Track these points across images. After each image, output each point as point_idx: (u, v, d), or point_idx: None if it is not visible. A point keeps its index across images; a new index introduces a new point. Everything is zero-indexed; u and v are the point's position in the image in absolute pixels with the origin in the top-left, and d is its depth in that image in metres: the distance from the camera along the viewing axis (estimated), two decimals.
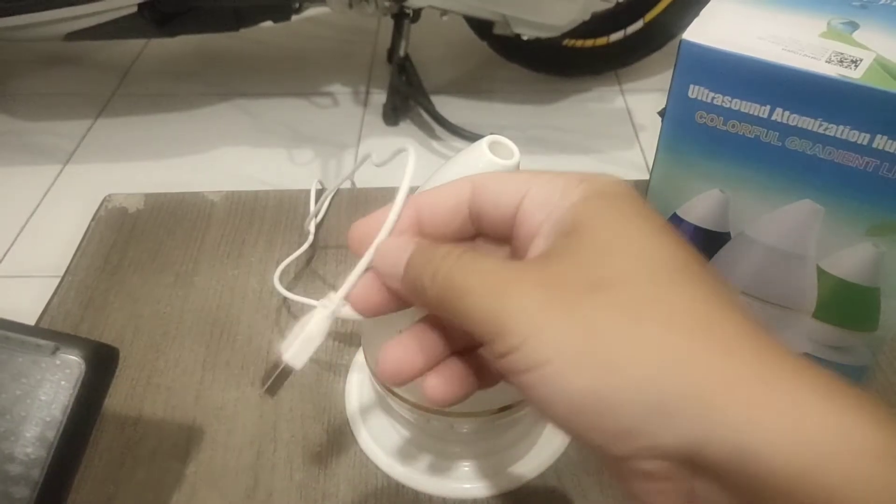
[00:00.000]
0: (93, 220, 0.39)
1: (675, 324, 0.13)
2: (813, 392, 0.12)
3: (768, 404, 0.12)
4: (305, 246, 0.36)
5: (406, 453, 0.27)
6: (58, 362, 0.19)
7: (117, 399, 0.30)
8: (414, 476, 0.27)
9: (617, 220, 0.15)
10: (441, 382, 0.17)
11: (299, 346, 0.17)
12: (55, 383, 0.18)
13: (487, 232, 0.18)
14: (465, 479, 0.27)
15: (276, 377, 0.17)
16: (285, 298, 0.33)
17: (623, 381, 0.13)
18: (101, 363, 0.20)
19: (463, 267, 0.15)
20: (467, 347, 0.17)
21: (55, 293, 0.35)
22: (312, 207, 0.38)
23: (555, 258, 0.15)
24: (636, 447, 0.13)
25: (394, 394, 0.25)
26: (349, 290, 0.17)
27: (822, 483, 0.11)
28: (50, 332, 0.20)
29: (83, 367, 0.19)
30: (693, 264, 0.14)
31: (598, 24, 1.11)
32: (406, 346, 0.17)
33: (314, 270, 0.36)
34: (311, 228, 0.37)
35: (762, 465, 0.12)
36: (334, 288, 0.18)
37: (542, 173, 0.17)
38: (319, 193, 0.39)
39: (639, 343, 0.13)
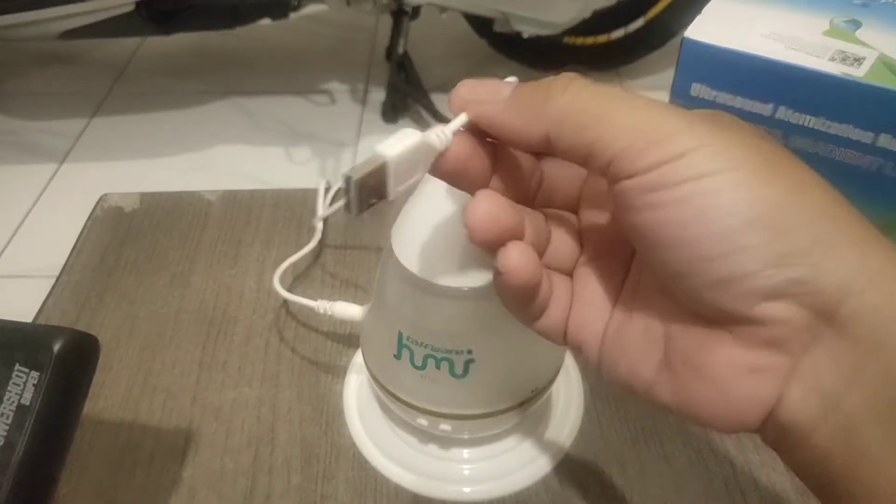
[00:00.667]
0: (88, 219, 0.39)
1: (828, 190, 0.13)
2: None
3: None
4: (312, 244, 0.35)
5: (405, 456, 0.27)
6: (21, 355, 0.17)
7: (113, 401, 0.30)
8: (413, 479, 0.27)
9: (739, 123, 0.14)
10: (525, 253, 0.15)
11: (393, 141, 0.14)
12: (20, 379, 0.17)
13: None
14: (465, 482, 0.27)
15: (370, 172, 0.14)
16: (285, 300, 0.33)
17: (799, 205, 0.12)
18: (76, 353, 0.17)
19: (600, 85, 0.14)
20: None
21: (50, 293, 0.35)
22: (320, 206, 0.38)
23: (700, 114, 0.14)
24: (790, 277, 0.12)
25: (393, 395, 0.25)
26: (459, 125, 0.15)
27: None
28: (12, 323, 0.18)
29: (51, 358, 0.17)
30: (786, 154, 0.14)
31: (599, 21, 1.11)
32: (500, 199, 0.15)
33: (318, 270, 0.36)
34: (319, 226, 0.37)
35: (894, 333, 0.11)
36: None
37: None
38: (325, 193, 0.39)
39: (811, 182, 0.13)
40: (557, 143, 0.14)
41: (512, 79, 0.16)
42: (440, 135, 0.15)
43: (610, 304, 0.16)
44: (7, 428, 0.16)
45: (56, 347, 0.17)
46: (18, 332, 0.17)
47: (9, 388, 0.16)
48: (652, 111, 0.13)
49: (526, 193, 0.17)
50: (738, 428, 0.13)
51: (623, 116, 0.13)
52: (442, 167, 0.15)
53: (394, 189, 0.15)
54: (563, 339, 0.17)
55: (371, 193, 0.15)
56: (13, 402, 0.16)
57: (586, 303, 0.16)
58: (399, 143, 0.14)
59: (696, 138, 0.13)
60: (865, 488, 0.12)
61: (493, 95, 0.15)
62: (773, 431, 0.13)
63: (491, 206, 0.15)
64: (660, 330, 0.15)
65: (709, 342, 0.13)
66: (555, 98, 0.14)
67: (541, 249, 0.16)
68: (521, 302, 0.16)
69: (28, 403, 0.16)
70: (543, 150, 0.14)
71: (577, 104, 0.13)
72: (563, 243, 0.17)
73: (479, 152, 0.15)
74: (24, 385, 0.16)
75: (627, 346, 0.15)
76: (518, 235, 0.15)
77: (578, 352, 0.17)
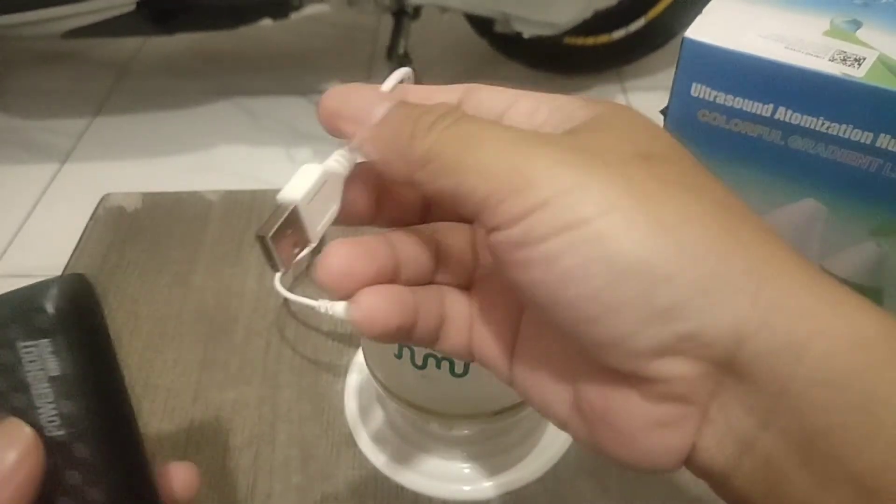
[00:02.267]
0: (90, 219, 0.39)
1: (725, 204, 0.12)
2: (858, 299, 0.11)
3: (822, 297, 0.11)
4: (312, 245, 0.35)
5: (405, 455, 0.27)
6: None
7: None
8: (413, 478, 0.27)
9: (635, 118, 0.13)
10: (380, 301, 0.13)
11: (295, 182, 0.14)
12: (31, 355, 0.14)
13: None
14: (465, 482, 0.27)
15: (282, 224, 0.13)
16: (286, 299, 0.33)
17: (675, 249, 0.11)
18: (73, 300, 0.14)
19: (474, 120, 0.12)
20: (423, 279, 0.15)
21: None
22: None
23: (584, 132, 0.12)
24: (675, 333, 0.11)
25: (394, 395, 0.25)
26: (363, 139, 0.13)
27: (873, 389, 0.10)
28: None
29: (51, 318, 0.14)
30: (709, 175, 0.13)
31: (600, 21, 1.11)
32: (356, 246, 0.14)
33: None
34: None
35: (810, 363, 0.10)
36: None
37: (539, 94, 0.14)
38: None
39: (692, 213, 0.11)
40: (422, 188, 0.13)
41: (391, 82, 0.14)
42: (340, 159, 0.14)
43: (512, 323, 0.15)
44: (55, 406, 0.14)
45: (49, 306, 0.14)
46: (2, 305, 0.14)
47: (27, 369, 0.14)
48: (517, 150, 0.11)
49: (414, 212, 0.16)
50: (655, 472, 0.12)
51: (485, 159, 0.12)
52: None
53: (314, 231, 0.14)
54: (472, 357, 0.15)
55: (291, 244, 0.14)
56: (42, 378, 0.14)
57: (486, 322, 0.15)
58: (302, 182, 0.14)
59: (562, 181, 0.11)
60: None
61: (363, 115, 0.13)
62: (695, 472, 0.12)
63: (341, 261, 0.13)
64: (566, 371, 0.14)
65: (614, 394, 0.12)
66: (420, 138, 0.12)
67: (424, 271, 0.15)
68: (392, 340, 0.14)
69: (59, 372, 0.14)
70: (413, 188, 0.13)
71: (440, 146, 0.12)
72: (457, 256, 0.15)
73: (362, 186, 0.14)
74: (41, 357, 0.14)
75: (537, 379, 0.14)
76: (382, 278, 0.14)
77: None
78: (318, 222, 0.14)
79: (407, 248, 0.15)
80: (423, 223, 0.16)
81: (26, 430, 0.13)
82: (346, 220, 0.15)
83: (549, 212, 0.11)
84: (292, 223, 0.14)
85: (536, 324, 0.14)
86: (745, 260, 0.11)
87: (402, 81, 0.15)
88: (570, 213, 0.11)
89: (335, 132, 0.14)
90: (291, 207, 0.14)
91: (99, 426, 0.14)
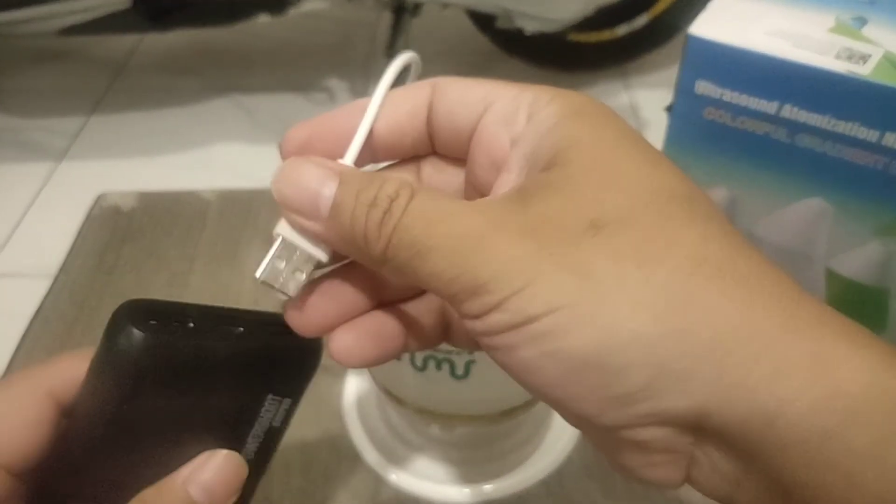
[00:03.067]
0: (86, 218, 0.39)
1: (687, 266, 0.11)
2: (838, 343, 0.11)
3: (792, 358, 0.10)
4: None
5: (406, 458, 0.27)
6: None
7: None
8: (413, 481, 0.26)
9: (604, 147, 0.13)
10: (353, 339, 0.14)
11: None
12: (273, 407, 0.17)
13: (441, 148, 0.15)
14: (467, 484, 0.26)
15: (275, 255, 0.14)
16: (285, 299, 0.33)
17: (627, 339, 0.11)
18: (316, 369, 0.17)
19: (421, 214, 0.12)
20: (396, 298, 0.15)
21: (49, 293, 0.34)
22: None
23: (537, 196, 0.12)
24: (636, 414, 0.11)
25: (393, 397, 0.24)
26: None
27: (852, 444, 0.10)
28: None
29: (303, 384, 0.17)
30: (697, 195, 0.12)
31: (603, 17, 1.10)
32: (323, 293, 0.14)
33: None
34: None
35: (783, 427, 0.10)
36: None
37: (510, 85, 0.14)
38: None
39: (646, 293, 0.11)
40: (392, 280, 0.13)
41: (391, 74, 0.14)
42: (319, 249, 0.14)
43: None
44: (255, 447, 0.17)
45: (308, 373, 0.16)
46: (265, 352, 0.16)
47: (260, 414, 0.16)
48: (465, 251, 0.12)
49: None
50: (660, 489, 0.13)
51: (436, 267, 0.12)
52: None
53: (315, 250, 0.14)
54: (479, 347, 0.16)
55: (292, 271, 0.14)
56: (264, 424, 0.17)
57: None
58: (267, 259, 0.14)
59: (511, 282, 0.11)
60: None
61: (310, 207, 0.13)
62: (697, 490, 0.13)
63: (309, 304, 0.14)
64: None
65: (607, 437, 0.12)
66: (373, 241, 0.12)
67: (410, 290, 0.15)
68: (378, 363, 0.15)
69: (278, 424, 0.17)
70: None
71: (391, 253, 0.12)
72: None
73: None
74: (276, 411, 0.17)
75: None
76: (347, 314, 0.14)
77: None
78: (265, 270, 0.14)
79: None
80: None
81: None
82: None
83: (503, 312, 0.11)
84: (287, 252, 0.14)
85: None
86: (706, 332, 0.11)
87: (406, 70, 0.15)
88: (522, 313, 0.11)
89: (294, 227, 0.14)
90: (279, 239, 0.14)
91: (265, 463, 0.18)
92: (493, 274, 0.11)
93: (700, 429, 0.11)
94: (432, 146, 0.15)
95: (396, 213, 0.12)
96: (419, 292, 0.15)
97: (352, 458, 0.28)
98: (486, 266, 0.12)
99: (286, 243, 0.14)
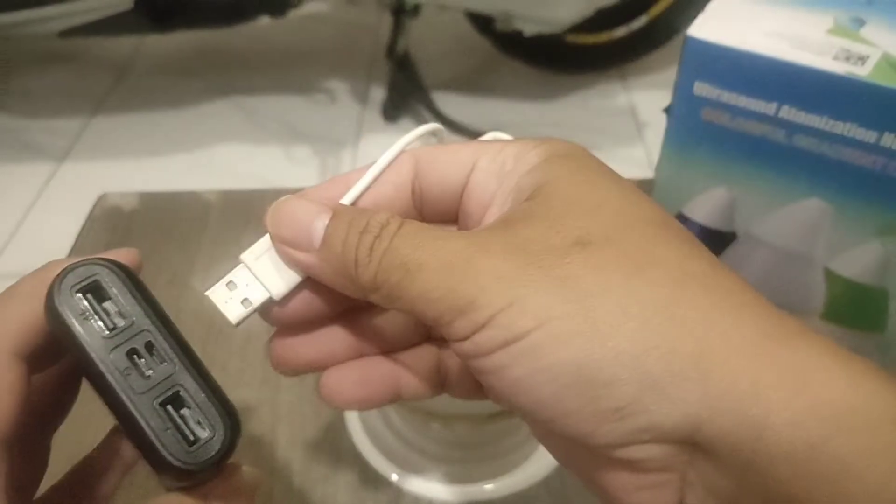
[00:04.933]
0: (87, 219, 0.39)
1: (671, 281, 0.11)
2: (821, 357, 0.11)
3: (777, 369, 0.11)
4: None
5: (406, 457, 0.27)
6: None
7: None
8: (414, 480, 0.27)
9: (584, 181, 0.13)
10: (341, 381, 0.15)
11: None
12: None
13: (430, 214, 0.15)
14: (467, 484, 0.26)
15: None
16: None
17: (617, 350, 0.11)
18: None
19: (410, 238, 0.13)
20: (391, 349, 0.15)
21: None
22: None
23: (521, 220, 0.13)
24: (630, 430, 0.11)
25: None
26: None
27: (836, 455, 0.10)
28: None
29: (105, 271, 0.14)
30: (672, 221, 0.13)
31: (602, 19, 1.11)
32: (313, 338, 0.15)
33: None
34: None
35: (771, 438, 0.10)
36: None
37: (494, 142, 0.15)
38: None
39: (633, 305, 0.11)
40: (381, 306, 0.13)
41: (412, 137, 0.15)
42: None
43: None
44: None
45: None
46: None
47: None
48: (454, 270, 0.12)
49: None
50: None
51: (426, 286, 0.12)
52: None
53: (271, 285, 0.14)
54: (482, 395, 0.16)
55: (239, 300, 0.14)
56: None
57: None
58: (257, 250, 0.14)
59: (499, 298, 0.11)
60: None
61: (303, 239, 0.13)
62: None
63: (286, 351, 0.14)
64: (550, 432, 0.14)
65: (596, 462, 0.12)
66: (363, 266, 0.13)
67: (408, 336, 0.15)
68: (369, 408, 0.16)
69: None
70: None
71: (383, 275, 0.12)
72: None
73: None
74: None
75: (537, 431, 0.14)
76: (336, 358, 0.15)
77: None
78: (276, 278, 0.14)
79: (386, 321, 0.15)
80: None
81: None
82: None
83: (493, 329, 0.11)
84: (244, 280, 0.14)
85: None
86: (692, 344, 0.11)
87: (433, 135, 0.16)
88: (511, 329, 0.11)
89: (285, 259, 0.14)
90: (240, 266, 0.14)
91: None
92: (481, 290, 0.12)
93: (693, 445, 0.11)
94: (418, 215, 0.16)
95: (386, 238, 0.13)
96: (414, 343, 0.16)
97: (352, 458, 0.28)
98: (473, 283, 0.12)
99: (246, 271, 0.14)
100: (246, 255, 0.14)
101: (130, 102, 1.21)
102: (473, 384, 0.16)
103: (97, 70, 1.29)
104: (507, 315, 0.11)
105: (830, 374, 0.11)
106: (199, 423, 0.14)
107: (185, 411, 0.14)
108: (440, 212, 0.15)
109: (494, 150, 0.14)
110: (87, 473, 0.16)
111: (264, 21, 1.08)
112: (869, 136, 0.21)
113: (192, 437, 0.14)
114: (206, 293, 0.14)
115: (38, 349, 0.14)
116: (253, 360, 0.31)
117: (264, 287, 0.14)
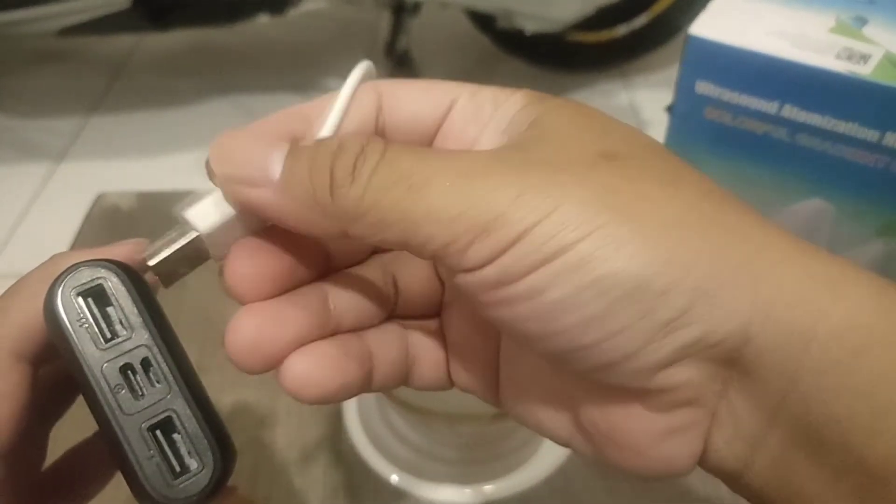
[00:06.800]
0: (85, 219, 0.39)
1: (702, 193, 0.11)
2: (847, 270, 0.11)
3: (815, 279, 0.10)
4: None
5: (406, 458, 0.27)
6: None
7: None
8: (414, 481, 0.26)
9: (578, 112, 0.12)
10: (310, 364, 0.12)
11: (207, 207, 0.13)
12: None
13: None
14: (468, 484, 0.26)
15: (178, 250, 0.13)
16: None
17: (665, 259, 0.10)
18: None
19: (408, 150, 0.11)
20: (343, 265, 0.13)
21: None
22: None
23: (532, 142, 0.11)
24: (680, 344, 0.10)
25: (393, 397, 0.24)
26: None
27: (875, 367, 0.10)
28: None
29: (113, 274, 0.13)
30: (672, 152, 0.12)
31: (603, 17, 1.10)
32: (266, 312, 0.12)
33: None
34: None
35: (817, 350, 0.10)
36: None
37: (468, 84, 0.13)
38: None
39: (676, 212, 0.10)
40: (362, 239, 0.11)
41: (349, 88, 0.12)
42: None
43: (492, 348, 0.14)
44: None
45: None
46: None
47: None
48: (471, 183, 0.10)
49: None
50: (667, 478, 0.12)
51: (437, 203, 0.10)
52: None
53: (219, 253, 0.13)
54: (451, 386, 0.14)
55: (184, 264, 0.13)
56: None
57: (463, 352, 0.14)
58: (213, 210, 0.12)
59: (533, 209, 0.10)
60: None
61: (257, 172, 0.11)
62: (707, 470, 0.12)
63: (249, 334, 0.12)
64: (560, 392, 0.13)
65: (617, 411, 0.11)
66: (343, 188, 0.11)
67: (374, 313, 0.13)
68: (339, 400, 0.13)
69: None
70: (346, 241, 0.11)
71: (373, 194, 0.10)
72: (418, 287, 0.14)
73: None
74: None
75: (529, 404, 0.13)
76: (308, 339, 0.12)
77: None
78: (226, 246, 0.13)
79: (347, 295, 0.13)
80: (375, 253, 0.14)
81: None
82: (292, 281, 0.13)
83: (527, 245, 0.10)
84: (192, 248, 0.13)
85: (518, 348, 0.13)
86: (738, 252, 0.10)
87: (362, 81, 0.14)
88: (551, 242, 0.10)
89: (235, 201, 0.12)
90: (195, 235, 0.13)
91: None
92: (511, 202, 0.10)
93: (736, 363, 0.11)
94: None
95: (374, 154, 0.11)
96: (376, 321, 0.13)
97: (352, 458, 0.27)
98: (500, 194, 0.10)
99: (183, 222, 0.13)
100: (181, 207, 0.13)
101: (129, 101, 1.21)
102: (443, 374, 0.14)
103: (95, 69, 1.28)
104: (546, 227, 0.10)
105: (860, 286, 0.10)
106: (189, 453, 0.12)
107: (176, 437, 0.12)
108: None
109: (471, 91, 0.13)
110: (73, 467, 0.15)
111: (263, 19, 1.08)
112: (871, 135, 0.21)
113: (178, 469, 0.12)
114: (145, 257, 0.13)
115: (43, 346, 0.13)
116: None
117: (193, 226, 0.13)
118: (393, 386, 0.14)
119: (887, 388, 0.10)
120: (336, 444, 0.28)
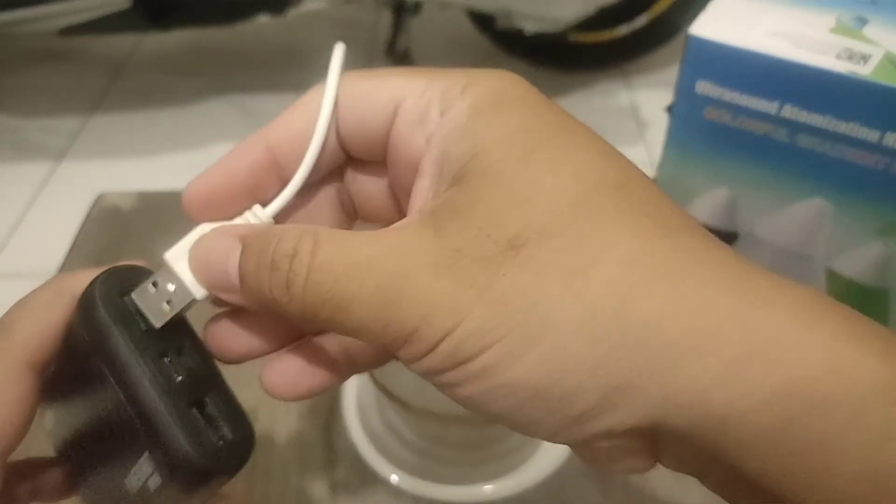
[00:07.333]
0: (85, 219, 0.39)
1: (618, 271, 0.11)
2: (793, 322, 0.10)
3: (746, 349, 0.10)
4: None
5: (405, 458, 0.27)
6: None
7: None
8: (413, 481, 0.26)
9: (520, 148, 0.12)
10: (285, 370, 0.14)
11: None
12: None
13: (358, 154, 0.14)
14: (466, 484, 0.26)
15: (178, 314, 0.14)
16: None
17: (573, 363, 0.10)
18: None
19: (329, 268, 0.12)
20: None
21: None
22: None
23: (450, 223, 0.12)
24: (592, 433, 0.11)
25: (392, 396, 0.24)
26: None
27: (815, 429, 0.10)
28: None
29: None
30: (630, 180, 0.12)
31: (603, 17, 1.10)
32: (242, 320, 0.14)
33: None
34: None
35: (736, 424, 0.10)
36: None
37: (419, 75, 0.13)
38: None
39: (579, 312, 0.10)
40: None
41: (334, 74, 0.13)
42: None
43: None
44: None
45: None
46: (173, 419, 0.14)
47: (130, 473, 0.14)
48: (390, 303, 0.11)
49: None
50: (632, 474, 0.13)
51: (362, 319, 0.11)
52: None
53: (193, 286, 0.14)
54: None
55: (168, 299, 0.14)
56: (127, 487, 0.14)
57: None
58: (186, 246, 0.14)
59: (437, 329, 0.11)
60: None
61: (225, 282, 0.13)
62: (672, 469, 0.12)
63: (228, 332, 0.14)
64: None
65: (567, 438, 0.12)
66: (285, 308, 0.12)
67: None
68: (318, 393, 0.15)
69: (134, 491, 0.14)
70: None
71: (310, 311, 0.12)
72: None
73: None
74: (142, 476, 0.14)
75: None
76: (267, 351, 0.15)
77: None
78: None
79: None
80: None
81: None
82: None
83: (440, 354, 0.11)
84: (166, 280, 0.14)
85: None
86: (650, 340, 0.10)
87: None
88: (456, 355, 0.11)
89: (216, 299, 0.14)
90: (164, 268, 0.14)
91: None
92: (421, 320, 0.11)
93: (657, 433, 0.11)
94: (345, 156, 0.15)
95: (301, 273, 0.12)
96: None
97: (351, 458, 0.27)
98: (411, 312, 0.11)
99: (170, 271, 0.14)
100: (170, 254, 0.14)
101: (129, 101, 1.21)
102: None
103: (95, 68, 1.28)
104: (450, 342, 0.11)
105: (804, 345, 0.10)
106: (226, 421, 0.14)
107: (212, 410, 0.14)
108: (366, 153, 0.14)
109: (420, 89, 0.13)
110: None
111: (263, 19, 1.08)
112: (871, 135, 0.21)
113: (218, 435, 0.14)
114: (132, 295, 0.14)
115: (49, 358, 0.15)
116: (251, 361, 0.31)
117: (188, 288, 0.14)
118: (379, 364, 0.15)
119: (827, 449, 0.10)
120: (335, 444, 0.28)
